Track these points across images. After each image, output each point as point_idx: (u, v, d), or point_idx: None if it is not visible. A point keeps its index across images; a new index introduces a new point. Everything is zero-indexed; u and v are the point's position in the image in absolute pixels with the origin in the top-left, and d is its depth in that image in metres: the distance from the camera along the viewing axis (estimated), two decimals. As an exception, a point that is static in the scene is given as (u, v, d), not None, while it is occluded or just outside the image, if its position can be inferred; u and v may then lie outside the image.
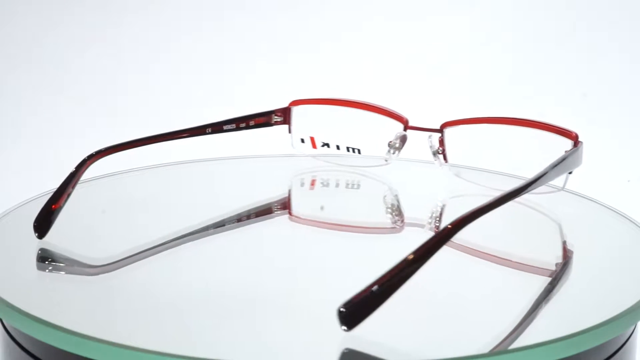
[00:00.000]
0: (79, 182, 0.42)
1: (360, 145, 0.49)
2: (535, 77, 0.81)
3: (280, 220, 0.45)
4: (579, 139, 0.42)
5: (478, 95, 0.80)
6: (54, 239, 0.39)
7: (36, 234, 0.39)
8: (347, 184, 0.50)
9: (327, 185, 0.51)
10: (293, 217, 0.46)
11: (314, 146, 0.51)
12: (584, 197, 0.45)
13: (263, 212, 0.46)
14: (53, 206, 0.41)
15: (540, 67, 0.82)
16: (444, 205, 0.46)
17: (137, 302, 0.34)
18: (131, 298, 0.34)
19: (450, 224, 0.31)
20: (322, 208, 0.47)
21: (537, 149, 0.43)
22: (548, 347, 0.29)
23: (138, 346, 0.28)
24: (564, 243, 0.42)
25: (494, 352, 0.29)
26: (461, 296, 0.35)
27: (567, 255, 0.40)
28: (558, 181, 0.43)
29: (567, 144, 0.42)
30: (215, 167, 0.54)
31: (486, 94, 0.80)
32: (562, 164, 0.40)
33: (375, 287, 0.28)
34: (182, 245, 0.40)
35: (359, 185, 0.50)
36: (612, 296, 0.35)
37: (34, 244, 0.38)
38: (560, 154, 0.41)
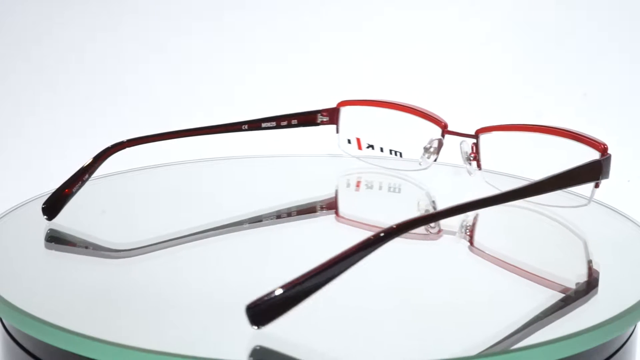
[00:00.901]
0: (120, 173, 0.42)
1: (402, 149, 0.49)
2: (535, 77, 0.81)
3: (325, 220, 0.45)
4: (607, 152, 0.41)
5: (478, 95, 0.80)
6: (59, 236, 0.39)
7: (45, 217, 0.39)
8: (389, 187, 0.50)
9: (371, 187, 0.51)
10: (340, 218, 0.46)
11: (360, 147, 0.51)
12: (583, 197, 0.45)
13: (307, 210, 0.46)
14: (66, 190, 0.41)
15: (540, 67, 0.82)
16: (476, 214, 0.44)
17: (150, 301, 0.34)
18: (140, 296, 0.34)
19: (382, 231, 0.31)
20: (321, 208, 0.47)
21: (570, 159, 0.42)
22: (548, 347, 0.29)
23: (139, 346, 0.28)
24: (566, 246, 0.42)
25: (494, 352, 0.29)
26: (462, 297, 0.35)
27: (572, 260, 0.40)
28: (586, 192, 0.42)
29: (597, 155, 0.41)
30: (251, 165, 0.54)
31: (486, 94, 0.80)
32: (569, 175, 0.39)
33: (288, 288, 0.29)
34: (213, 239, 0.40)
35: (400, 189, 0.50)
36: (612, 296, 0.35)
37: (34, 244, 0.39)
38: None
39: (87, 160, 0.43)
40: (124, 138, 0.44)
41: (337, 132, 0.51)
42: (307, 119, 0.50)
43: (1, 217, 0.41)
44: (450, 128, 0.47)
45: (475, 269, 0.39)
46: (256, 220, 0.43)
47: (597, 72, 0.80)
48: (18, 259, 0.38)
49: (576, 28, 0.82)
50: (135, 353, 0.28)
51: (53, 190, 0.41)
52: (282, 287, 0.29)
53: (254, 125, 0.48)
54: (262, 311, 0.29)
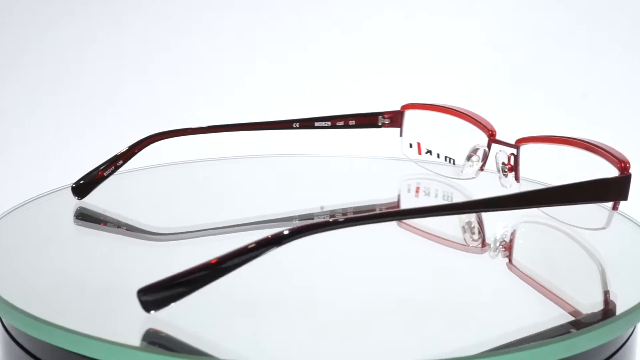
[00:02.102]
0: (169, 164, 0.44)
1: (456, 155, 0.48)
2: (535, 77, 0.81)
3: (388, 225, 0.43)
4: (628, 171, 0.37)
5: (477, 96, 0.80)
6: (69, 235, 0.39)
7: (76, 197, 0.41)
8: (443, 195, 0.49)
9: (428, 194, 0.50)
10: (402, 224, 0.43)
11: (420, 152, 0.50)
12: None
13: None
14: (99, 173, 0.42)
15: (541, 67, 0.82)
16: (514, 231, 0.43)
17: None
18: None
19: (271, 235, 0.31)
20: (321, 208, 0.47)
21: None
22: (548, 348, 0.29)
23: (139, 346, 0.28)
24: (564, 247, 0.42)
25: (494, 352, 0.29)
26: (463, 297, 0.35)
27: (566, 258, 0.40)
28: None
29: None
30: (305, 163, 0.54)
31: (484, 94, 0.80)
32: (565, 192, 0.37)
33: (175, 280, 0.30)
34: (256, 232, 0.40)
35: (451, 197, 0.48)
36: (612, 297, 0.35)
37: (34, 244, 0.38)
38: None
39: (123, 147, 0.44)
40: (163, 129, 0.45)
41: (401, 135, 0.51)
42: (367, 120, 0.50)
43: (1, 218, 0.41)
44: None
45: (474, 270, 0.39)
46: (307, 218, 0.43)
47: (597, 72, 0.80)
48: (18, 259, 0.38)
49: (576, 28, 0.82)
50: (135, 353, 0.28)
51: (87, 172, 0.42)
52: (173, 276, 0.30)
53: (307, 123, 0.48)
54: (153, 298, 0.30)
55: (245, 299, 0.34)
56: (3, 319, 0.34)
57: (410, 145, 0.50)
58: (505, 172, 0.44)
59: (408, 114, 0.50)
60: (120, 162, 0.43)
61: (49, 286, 0.35)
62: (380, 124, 0.50)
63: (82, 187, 0.42)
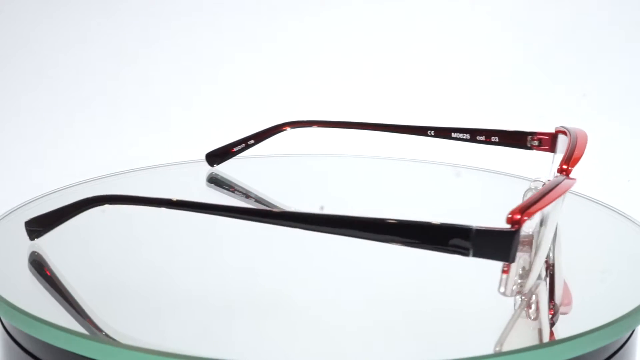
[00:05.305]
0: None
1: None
2: (535, 77, 0.81)
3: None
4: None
5: (476, 96, 0.80)
6: (71, 235, 0.39)
7: (210, 164, 0.46)
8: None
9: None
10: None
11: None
12: (584, 197, 0.45)
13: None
14: (231, 149, 0.47)
15: (540, 67, 0.82)
16: None
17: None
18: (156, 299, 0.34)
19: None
20: (322, 208, 0.47)
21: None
22: (547, 350, 0.29)
23: (139, 346, 0.28)
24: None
25: (494, 353, 0.29)
26: (464, 299, 0.35)
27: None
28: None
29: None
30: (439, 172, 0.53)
31: (484, 94, 0.80)
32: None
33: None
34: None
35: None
36: (612, 298, 0.35)
37: (34, 244, 0.38)
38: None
39: (257, 129, 0.48)
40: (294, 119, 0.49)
41: (553, 161, 0.43)
42: (513, 139, 0.45)
43: (1, 218, 0.41)
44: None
45: (475, 271, 0.39)
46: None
47: (597, 72, 0.80)
48: (18, 259, 0.38)
49: (576, 28, 0.82)
50: (135, 353, 0.28)
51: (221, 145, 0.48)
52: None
53: (443, 133, 0.46)
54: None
55: (245, 300, 0.34)
56: (3, 319, 0.34)
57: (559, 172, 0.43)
58: None
59: (562, 138, 0.42)
60: (252, 141, 0.47)
61: (48, 286, 0.35)
62: (529, 145, 0.45)
63: (214, 156, 0.48)
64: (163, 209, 0.46)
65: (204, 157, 0.50)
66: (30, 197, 0.43)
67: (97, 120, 0.82)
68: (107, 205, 0.46)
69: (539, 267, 0.32)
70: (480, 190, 0.51)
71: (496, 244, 0.28)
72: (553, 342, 0.29)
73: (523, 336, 0.31)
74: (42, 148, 0.81)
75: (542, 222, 0.32)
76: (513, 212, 0.28)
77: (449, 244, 0.29)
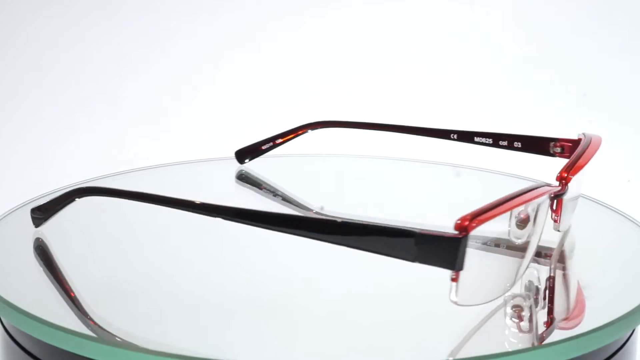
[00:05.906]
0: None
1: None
2: (535, 77, 0.81)
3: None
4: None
5: (476, 96, 0.80)
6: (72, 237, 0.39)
7: (239, 161, 0.47)
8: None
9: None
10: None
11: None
12: (583, 197, 0.45)
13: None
14: (260, 147, 0.48)
15: (540, 67, 0.82)
16: None
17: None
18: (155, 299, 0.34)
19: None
20: (321, 208, 0.47)
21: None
22: (547, 350, 0.29)
23: (139, 346, 0.28)
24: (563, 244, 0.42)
25: (494, 353, 0.29)
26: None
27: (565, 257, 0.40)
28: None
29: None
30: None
31: (483, 94, 0.80)
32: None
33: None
34: None
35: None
36: (612, 298, 0.35)
37: (34, 244, 0.38)
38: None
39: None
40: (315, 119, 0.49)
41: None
42: (536, 145, 0.44)
43: (1, 218, 0.41)
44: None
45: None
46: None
47: (597, 72, 0.80)
48: (18, 259, 0.38)
49: (576, 28, 0.82)
50: (135, 353, 0.28)
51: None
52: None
53: (465, 137, 0.46)
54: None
55: (246, 300, 0.34)
56: (3, 319, 0.34)
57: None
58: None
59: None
60: (280, 140, 0.48)
61: (49, 286, 0.35)
62: (551, 152, 0.44)
63: (246, 153, 0.49)
64: (162, 209, 0.46)
65: (232, 154, 0.50)
66: (30, 197, 0.43)
67: (97, 120, 0.82)
68: (106, 206, 0.46)
69: (524, 270, 0.32)
70: (480, 190, 0.51)
71: (441, 251, 0.26)
72: (553, 342, 0.29)
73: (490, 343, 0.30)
74: (42, 148, 0.81)
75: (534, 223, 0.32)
76: (463, 218, 0.26)
77: (392, 247, 0.27)
